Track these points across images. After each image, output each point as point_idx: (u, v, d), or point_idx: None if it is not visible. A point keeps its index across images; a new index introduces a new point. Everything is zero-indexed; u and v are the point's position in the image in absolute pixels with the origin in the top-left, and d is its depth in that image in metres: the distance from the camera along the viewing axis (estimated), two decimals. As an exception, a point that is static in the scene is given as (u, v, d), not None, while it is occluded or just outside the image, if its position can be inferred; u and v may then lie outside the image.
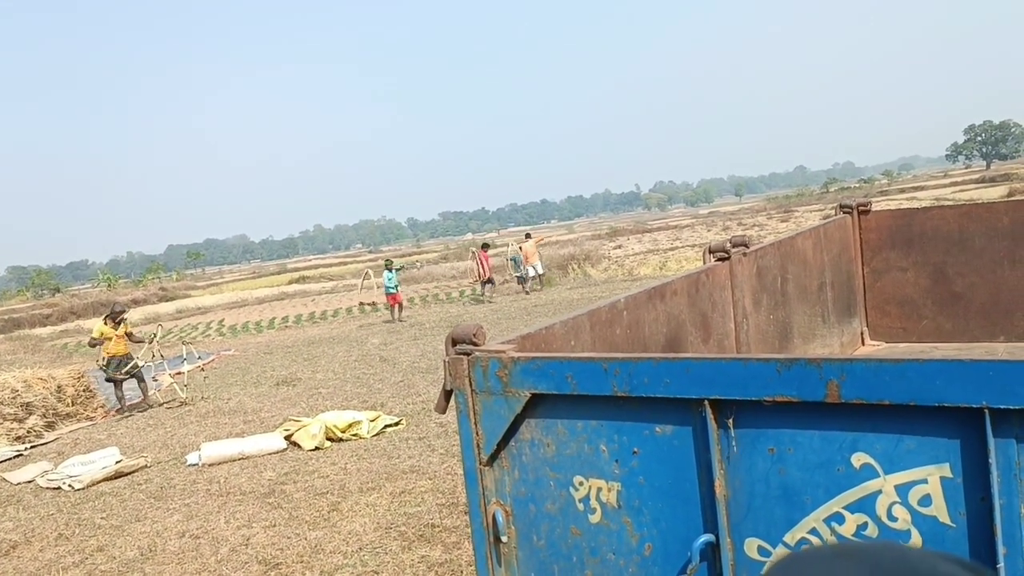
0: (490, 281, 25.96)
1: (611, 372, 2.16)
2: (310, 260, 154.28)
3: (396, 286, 23.13)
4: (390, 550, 5.87)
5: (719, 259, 4.11)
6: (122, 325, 13.74)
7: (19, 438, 11.89)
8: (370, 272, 28.27)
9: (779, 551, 2.04)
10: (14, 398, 12.34)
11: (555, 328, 2.76)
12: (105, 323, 13.71)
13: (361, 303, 27.66)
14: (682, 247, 41.68)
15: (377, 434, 9.33)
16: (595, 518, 2.30)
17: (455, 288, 34.76)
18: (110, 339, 13.47)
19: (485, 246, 27.01)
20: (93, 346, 13.80)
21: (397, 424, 9.64)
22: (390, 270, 23.29)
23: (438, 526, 6.20)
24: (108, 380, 13.55)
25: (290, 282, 61.61)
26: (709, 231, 51.25)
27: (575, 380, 2.22)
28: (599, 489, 2.28)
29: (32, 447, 11.59)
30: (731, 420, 2.06)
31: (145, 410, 13.28)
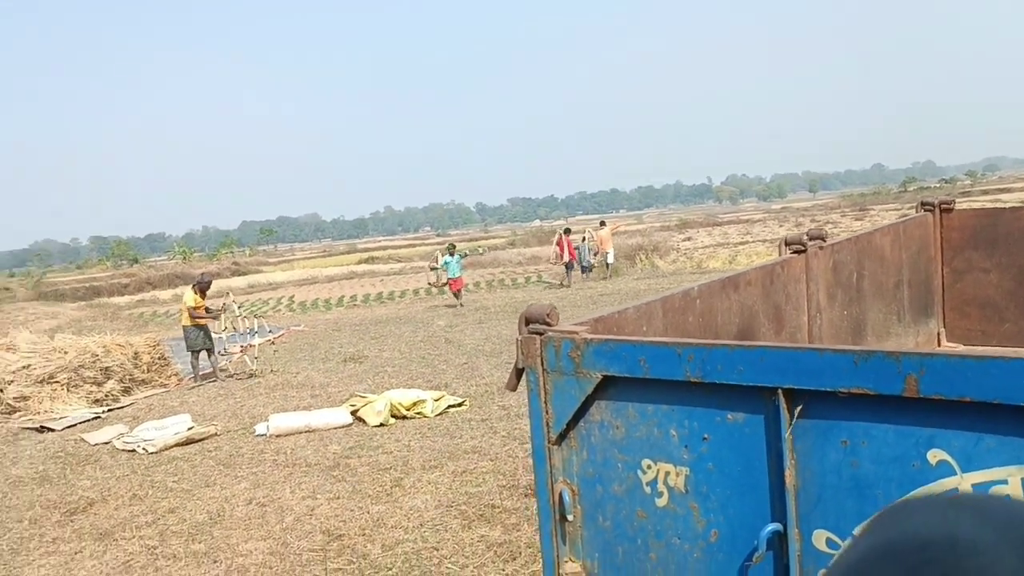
0: (570, 265, 26.13)
1: (685, 357, 2.16)
2: (379, 241, 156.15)
3: (457, 271, 22.89)
4: (450, 528, 5.95)
5: (795, 251, 4.05)
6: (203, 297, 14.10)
7: (97, 401, 12.34)
8: (438, 255, 28.33)
9: (847, 543, 2.03)
10: (94, 362, 12.80)
11: (628, 312, 2.77)
12: (194, 290, 14.06)
13: (431, 284, 27.64)
14: (752, 242, 41.06)
15: (440, 414, 9.44)
16: (662, 502, 2.30)
17: (521, 274, 34.86)
18: (199, 308, 13.78)
19: (568, 231, 27.17)
20: (195, 317, 13.94)
21: (460, 405, 9.74)
22: (452, 255, 23.32)
23: (498, 507, 6.26)
24: (190, 349, 13.88)
25: (359, 262, 62.48)
26: (781, 226, 50.37)
27: (648, 364, 2.23)
28: (667, 473, 2.28)
29: (109, 410, 12.01)
30: (804, 410, 2.05)
31: (214, 381, 13.65)
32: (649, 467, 2.32)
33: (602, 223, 28.76)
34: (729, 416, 2.17)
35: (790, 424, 2.07)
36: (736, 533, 2.20)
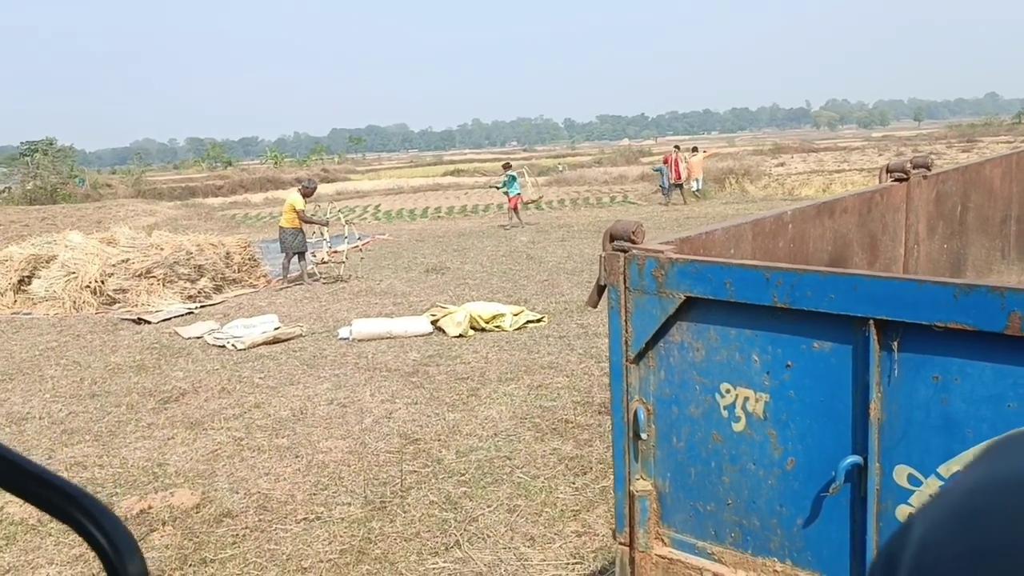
0: (679, 186, 26.22)
1: (773, 282, 2.10)
2: (466, 153, 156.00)
3: (515, 189, 22.09)
4: (523, 439, 6.04)
5: (896, 180, 3.87)
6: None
7: (191, 297, 12.81)
8: (525, 171, 28.08)
9: (931, 481, 1.97)
10: (188, 260, 13.25)
11: (716, 234, 2.69)
12: (300, 191, 14.32)
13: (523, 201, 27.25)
14: (849, 170, 39.60)
15: (519, 328, 9.51)
16: (739, 427, 2.27)
17: (607, 193, 34.47)
18: (297, 212, 13.99)
19: (676, 148, 27.37)
20: (304, 220, 14.05)
21: (539, 321, 9.78)
22: (509, 171, 22.59)
23: (571, 422, 6.32)
24: (287, 251, 14.16)
25: (445, 173, 62.62)
26: (881, 155, 48.38)
27: (734, 287, 2.17)
28: (746, 398, 2.25)
29: (201, 307, 12.47)
30: (896, 343, 1.98)
31: (301, 284, 13.99)
32: (728, 391, 2.28)
33: (695, 149, 28.62)
34: (815, 344, 2.11)
35: (879, 356, 2.00)
36: (813, 463, 2.16)
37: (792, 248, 3.03)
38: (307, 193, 14.36)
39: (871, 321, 1.97)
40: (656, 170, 28.47)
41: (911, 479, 2.01)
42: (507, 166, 23.65)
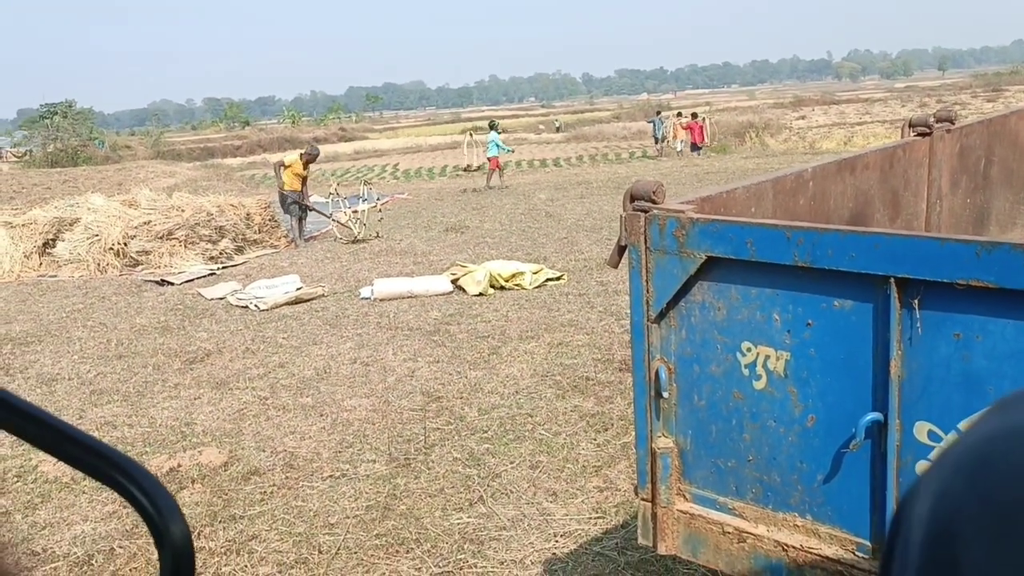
0: (696, 147, 27.72)
1: (794, 241, 2.11)
2: (484, 110, 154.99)
3: (499, 149, 21.89)
4: (545, 396, 6.10)
5: (919, 134, 3.84)
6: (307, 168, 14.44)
7: (212, 258, 12.90)
8: (471, 133, 28.56)
9: (951, 437, 1.99)
10: (209, 221, 13.32)
11: (736, 193, 2.69)
12: (301, 159, 14.40)
13: (467, 166, 27.45)
14: (871, 122, 39.09)
15: (539, 286, 9.53)
16: (759, 384, 2.30)
17: (625, 149, 34.25)
18: (297, 175, 14.17)
19: (694, 115, 29.77)
20: (277, 171, 14.34)
21: (559, 278, 9.80)
22: (495, 130, 22.44)
23: (592, 379, 6.36)
24: (287, 213, 14.33)
25: (463, 131, 62.31)
26: (904, 107, 47.67)
27: (755, 246, 2.18)
28: (767, 357, 2.27)
29: (223, 268, 12.57)
30: (917, 301, 1.98)
31: (296, 247, 14.10)
32: (749, 350, 2.30)
33: (694, 115, 31.46)
34: (836, 303, 2.12)
35: (900, 314, 2.01)
36: (833, 420, 2.18)
37: (813, 206, 3.03)
38: (310, 160, 14.41)
39: (892, 279, 1.98)
40: (650, 122, 33.24)
41: (931, 435, 2.03)
42: (493, 125, 23.49)
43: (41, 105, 59.69)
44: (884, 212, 3.52)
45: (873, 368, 2.09)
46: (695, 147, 27.79)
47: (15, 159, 54.75)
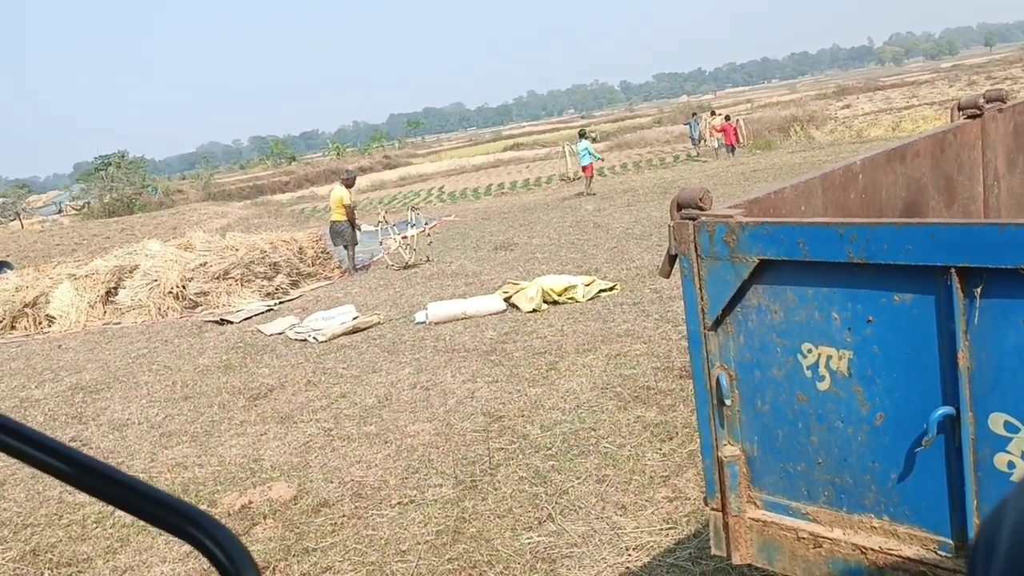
0: (731, 148, 27.92)
1: (847, 238, 2.07)
2: (523, 127, 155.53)
3: (591, 157, 22.44)
4: (606, 409, 6.06)
5: (969, 116, 3.75)
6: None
7: (269, 294, 13.12)
8: (567, 144, 29.64)
9: (1029, 428, 1.93)
10: (263, 258, 13.57)
11: (784, 192, 2.66)
12: (347, 188, 14.78)
13: (569, 175, 28.26)
14: (919, 105, 38.32)
15: (592, 298, 9.50)
16: (823, 386, 2.26)
17: (669, 153, 34.07)
18: (343, 205, 14.48)
19: (727, 117, 29.79)
20: (352, 217, 14.61)
21: (611, 289, 9.76)
22: (584, 138, 22.94)
23: (653, 388, 6.31)
24: (343, 244, 14.60)
25: (504, 149, 62.63)
26: (951, 87, 46.65)
27: (807, 246, 2.15)
28: (829, 357, 2.23)
29: (280, 303, 12.77)
30: (979, 289, 1.93)
31: (352, 274, 14.32)
32: (810, 351, 2.26)
33: (713, 112, 32.36)
34: (896, 297, 2.08)
35: (964, 304, 1.96)
36: (903, 417, 2.13)
37: (864, 199, 2.97)
38: (349, 184, 14.89)
39: (952, 270, 1.94)
40: (687, 124, 35.11)
41: (1008, 426, 1.97)
42: (583, 133, 23.81)
43: (96, 158, 61.54)
44: (939, 199, 3.44)
45: (940, 361, 2.04)
46: (730, 148, 28.07)
47: (74, 212, 56.47)
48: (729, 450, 2.48)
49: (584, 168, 22.44)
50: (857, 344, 2.16)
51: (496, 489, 5.05)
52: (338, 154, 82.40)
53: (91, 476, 0.72)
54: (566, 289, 9.60)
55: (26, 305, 13.95)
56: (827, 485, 2.32)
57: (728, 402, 2.44)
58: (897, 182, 3.18)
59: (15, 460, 0.73)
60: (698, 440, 2.63)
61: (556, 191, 26.10)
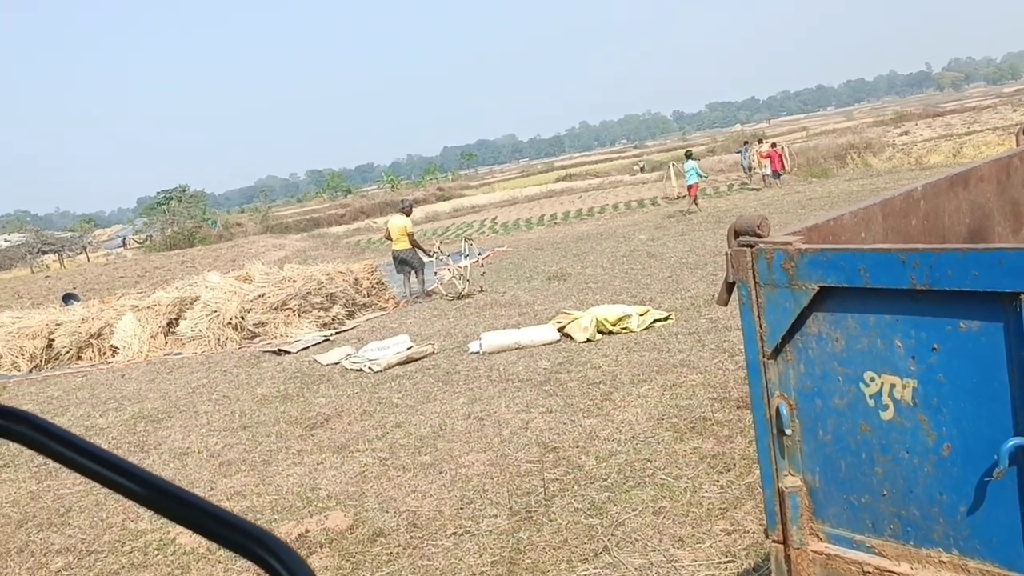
0: (776, 174, 28.31)
1: (910, 264, 2.04)
2: (576, 157, 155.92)
3: (697, 176, 23.54)
4: (662, 440, 6.00)
5: (1034, 140, 3.67)
6: None
7: (325, 325, 13.29)
8: (673, 164, 31.03)
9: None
10: (320, 289, 13.76)
11: (844, 219, 2.62)
12: (404, 214, 15.05)
13: (666, 196, 29.61)
14: (981, 131, 37.55)
15: (646, 328, 9.44)
16: (887, 415, 2.21)
17: (723, 182, 33.87)
18: (404, 233, 14.70)
19: (773, 145, 31.08)
20: (416, 243, 14.98)
21: (666, 319, 9.69)
22: (691, 159, 24.02)
23: (709, 419, 6.23)
24: (411, 269, 14.85)
25: (557, 180, 62.80)
26: (1015, 111, 45.66)
27: (868, 273, 2.12)
28: (892, 385, 2.18)
29: (336, 333, 12.92)
30: None
31: (420, 301, 14.43)
32: (872, 380, 2.22)
33: (771, 144, 33.17)
34: (962, 325, 2.03)
35: None
36: (972, 447, 2.07)
37: (926, 225, 2.92)
38: (408, 212, 15.14)
39: (1022, 296, 1.89)
40: (738, 152, 36.29)
41: (1082, 458, 1.90)
42: (689, 154, 25.05)
43: (158, 192, 63.31)
44: (1005, 225, 3.37)
45: (1011, 390, 1.98)
46: (775, 174, 28.70)
47: (137, 245, 58.02)
48: (790, 481, 2.44)
49: (690, 187, 23.57)
50: (922, 372, 2.11)
51: (551, 520, 5.01)
52: (393, 186, 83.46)
53: (165, 497, 0.74)
54: (620, 319, 9.56)
55: (91, 336, 14.34)
56: (893, 517, 2.27)
57: (788, 432, 2.40)
58: (961, 208, 3.12)
59: (93, 486, 0.76)
60: (757, 471, 2.59)
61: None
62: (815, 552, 2.42)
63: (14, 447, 8.51)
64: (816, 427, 2.37)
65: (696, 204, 23.52)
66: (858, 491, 2.32)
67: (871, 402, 2.23)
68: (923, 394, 2.12)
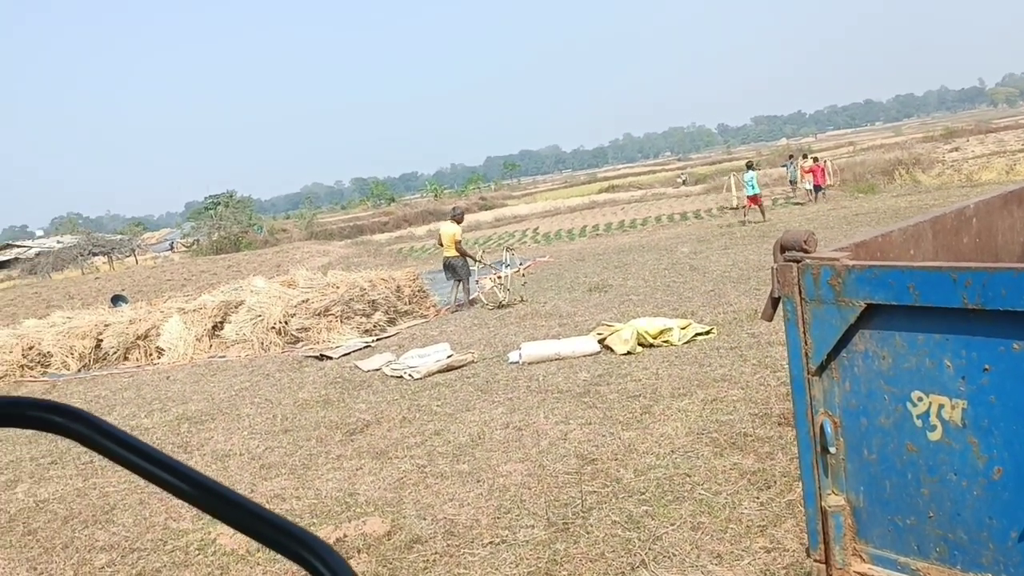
0: (819, 188, 28.32)
1: (961, 283, 2.00)
2: (619, 169, 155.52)
3: (755, 188, 23.75)
4: (702, 455, 5.94)
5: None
6: None
7: (367, 331, 13.40)
8: (734, 175, 31.67)
9: None
10: (362, 296, 13.88)
11: (892, 235, 2.59)
12: (458, 225, 15.13)
13: (734, 206, 30.02)
14: (1035, 148, 36.73)
15: (688, 342, 9.37)
16: (935, 436, 2.17)
17: (767, 196, 33.55)
18: (455, 241, 14.79)
19: (816, 159, 30.71)
20: (464, 251, 15.08)
21: (708, 333, 9.61)
22: (751, 169, 24.28)
23: (750, 435, 6.16)
24: (461, 278, 14.91)
25: (600, 191, 62.69)
26: (1070, 129, 44.58)
27: (918, 290, 2.09)
28: (941, 406, 2.14)
29: (378, 340, 13.01)
30: None
31: (463, 309, 14.46)
32: (920, 399, 2.18)
33: (804, 156, 33.12)
34: (1015, 345, 1.99)
35: None
36: None
37: (979, 243, 2.87)
38: (459, 220, 15.13)
39: None
40: (783, 166, 36.19)
41: None
42: (750, 165, 25.39)
43: (206, 197, 64.34)
44: (1060, 244, 3.29)
45: None
46: (817, 188, 28.77)
47: (185, 248, 59.00)
48: (833, 500, 2.40)
49: (750, 198, 23.91)
50: (972, 393, 2.07)
51: (588, 532, 4.99)
52: (436, 195, 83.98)
53: (213, 497, 0.76)
54: (661, 332, 9.50)
55: (138, 337, 14.61)
56: (939, 540, 2.22)
57: (832, 450, 2.36)
58: (1015, 226, 3.06)
59: (137, 484, 0.77)
60: (798, 489, 2.56)
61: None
62: (858, 573, 2.38)
63: (63, 444, 8.69)
64: (861, 446, 2.33)
65: (763, 215, 23.59)
66: (903, 512, 2.28)
67: (918, 422, 2.19)
68: (973, 415, 2.08)
